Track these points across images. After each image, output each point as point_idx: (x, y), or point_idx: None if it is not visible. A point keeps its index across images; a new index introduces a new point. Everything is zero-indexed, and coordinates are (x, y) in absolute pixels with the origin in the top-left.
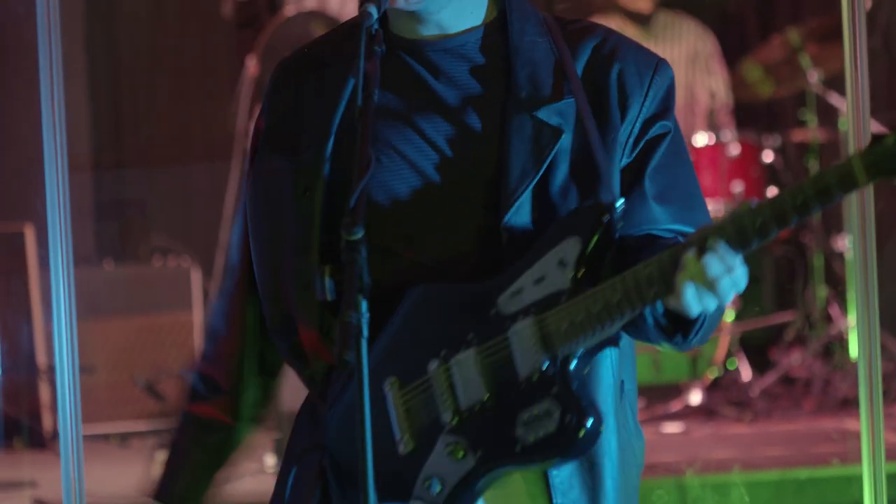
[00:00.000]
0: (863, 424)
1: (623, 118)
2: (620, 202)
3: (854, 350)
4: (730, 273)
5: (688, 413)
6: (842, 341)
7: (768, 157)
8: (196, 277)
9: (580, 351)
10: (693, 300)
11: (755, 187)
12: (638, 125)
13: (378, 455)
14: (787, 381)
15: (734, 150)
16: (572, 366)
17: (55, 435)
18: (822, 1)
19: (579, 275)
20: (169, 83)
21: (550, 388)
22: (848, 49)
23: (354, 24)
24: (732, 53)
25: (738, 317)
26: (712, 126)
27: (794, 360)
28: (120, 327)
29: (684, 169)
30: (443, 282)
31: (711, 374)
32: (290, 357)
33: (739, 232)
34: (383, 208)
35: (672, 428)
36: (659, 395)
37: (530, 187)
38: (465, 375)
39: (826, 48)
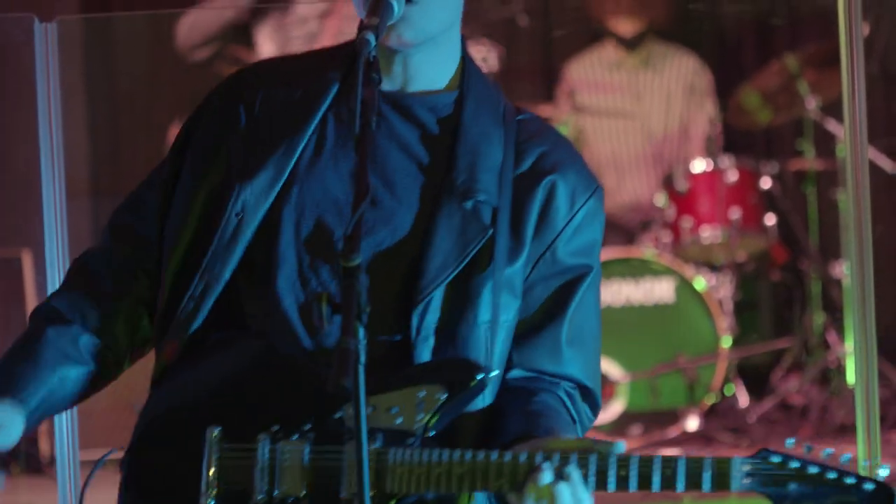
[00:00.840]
0: (860, 451)
1: (539, 234)
2: (495, 373)
3: (851, 376)
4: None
5: (685, 439)
6: (839, 367)
7: (766, 183)
8: None
9: (405, 492)
10: None
11: (753, 214)
12: (560, 246)
13: (177, 489)
14: (785, 407)
15: (732, 176)
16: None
17: (52, 460)
18: (820, 27)
19: (431, 424)
20: (167, 110)
21: None
22: (846, 75)
23: (330, 53)
24: (730, 80)
25: (736, 343)
26: (710, 153)
27: (791, 387)
28: None
29: (595, 311)
30: (305, 357)
31: (709, 401)
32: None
33: (600, 473)
34: (288, 265)
35: (669, 454)
36: (656, 421)
37: (445, 282)
38: (291, 465)
39: (824, 74)
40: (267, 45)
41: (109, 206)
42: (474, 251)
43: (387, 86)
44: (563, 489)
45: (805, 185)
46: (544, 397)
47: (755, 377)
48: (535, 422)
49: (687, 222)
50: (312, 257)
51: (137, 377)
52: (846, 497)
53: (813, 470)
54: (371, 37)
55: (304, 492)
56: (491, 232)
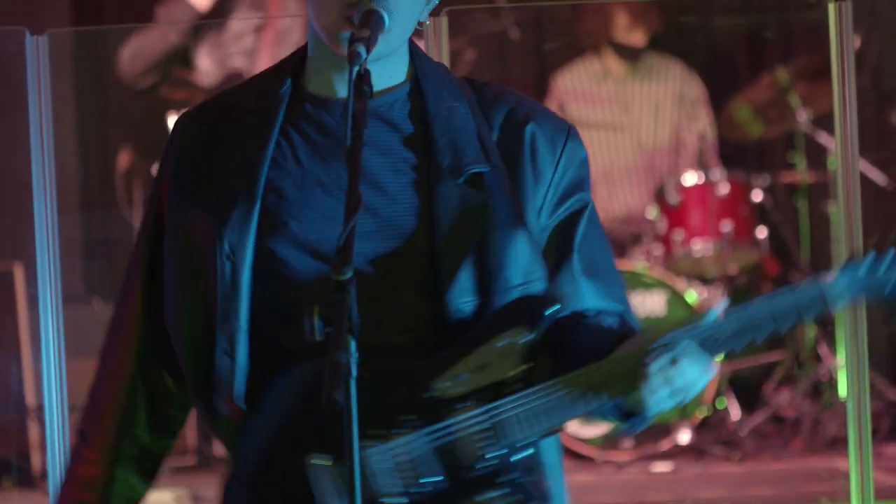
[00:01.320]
0: (852, 464)
1: (536, 183)
2: (559, 300)
3: (843, 389)
4: (703, 376)
5: (677, 453)
6: (831, 381)
7: (757, 196)
8: None
9: (533, 438)
10: (662, 402)
11: (744, 227)
12: (552, 192)
13: None
14: (777, 420)
15: (723, 189)
16: (526, 452)
17: (44, 474)
18: (811, 40)
19: (525, 365)
20: (157, 124)
21: (507, 474)
22: (837, 88)
23: (274, 71)
24: (722, 93)
25: (727, 356)
26: (702, 166)
27: (783, 400)
28: None
29: (603, 242)
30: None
31: (700, 414)
32: (206, 417)
33: (709, 337)
34: (304, 285)
35: (661, 468)
36: (648, 434)
37: (466, 260)
38: (416, 457)
39: (815, 87)
40: (206, 62)
41: (100, 219)
42: (483, 225)
43: (344, 93)
44: (685, 363)
45: (796, 197)
46: (602, 320)
47: (747, 390)
48: (606, 331)
49: (678, 235)
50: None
51: None
52: None
53: None
54: (362, 49)
55: (440, 476)
56: (491, 201)
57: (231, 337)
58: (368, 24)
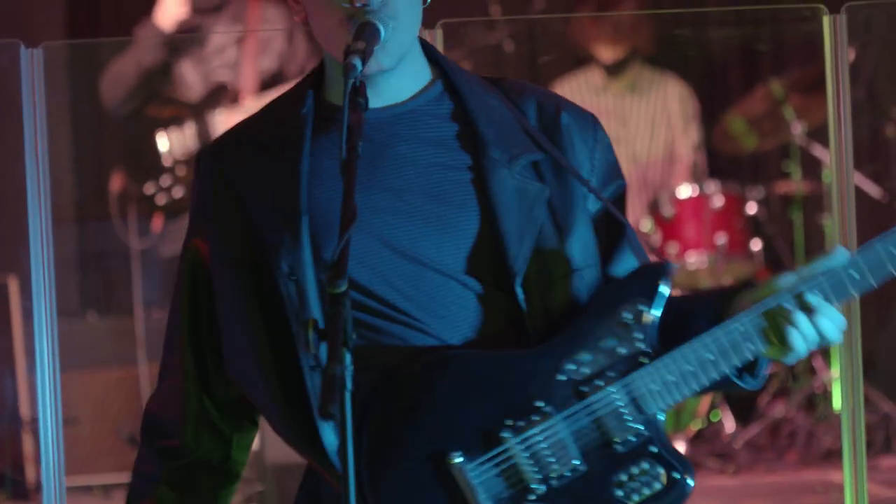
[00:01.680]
0: (846, 476)
1: (578, 170)
2: (675, 266)
3: (837, 402)
4: (834, 322)
5: None
6: (825, 393)
7: (752, 208)
8: None
9: (667, 408)
10: (801, 351)
11: (739, 239)
12: (594, 179)
13: None
14: (771, 432)
15: (718, 201)
16: (659, 422)
17: (38, 487)
18: (806, 52)
19: (653, 337)
20: (152, 137)
21: (647, 447)
22: (831, 101)
23: (290, 95)
24: (716, 106)
25: None
26: (696, 178)
27: (777, 412)
28: (103, 379)
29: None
30: (473, 352)
31: (695, 426)
32: (306, 443)
33: (836, 285)
34: (376, 295)
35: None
36: None
37: (531, 250)
38: (553, 443)
39: (810, 100)
40: (191, 76)
41: (95, 232)
42: (540, 211)
43: (380, 104)
44: (820, 317)
45: (791, 210)
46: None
47: (741, 403)
48: (704, 299)
49: (673, 248)
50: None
51: (122, 404)
52: None
53: None
54: (357, 61)
55: (578, 460)
56: (548, 188)
57: (316, 353)
58: (364, 37)
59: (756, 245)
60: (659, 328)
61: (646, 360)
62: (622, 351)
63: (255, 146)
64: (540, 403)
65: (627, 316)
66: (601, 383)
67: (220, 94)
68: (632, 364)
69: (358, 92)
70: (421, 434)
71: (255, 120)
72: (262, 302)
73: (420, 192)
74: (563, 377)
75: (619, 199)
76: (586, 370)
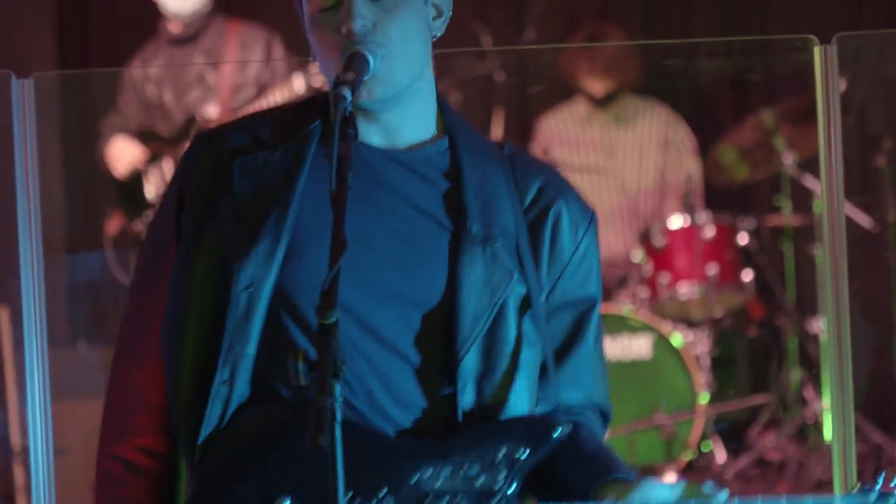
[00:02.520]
0: None
1: (552, 263)
2: (570, 427)
3: (828, 433)
4: None
5: None
6: (816, 424)
7: (743, 239)
8: None
9: None
10: None
11: (730, 270)
12: (569, 275)
13: None
14: (762, 463)
15: (709, 232)
16: None
17: None
18: (797, 83)
19: (516, 483)
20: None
21: None
22: (822, 131)
23: (300, 108)
24: (707, 137)
25: (713, 399)
26: (688, 208)
27: (768, 443)
28: (94, 409)
29: (601, 340)
30: (366, 422)
31: (686, 457)
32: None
33: None
34: (298, 298)
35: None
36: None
37: (482, 333)
38: None
39: (801, 130)
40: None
41: (86, 263)
42: (503, 297)
43: (378, 141)
44: None
45: (782, 240)
46: (584, 433)
47: (732, 433)
48: (597, 465)
49: (664, 278)
50: (361, 343)
51: None
52: None
53: None
54: (347, 92)
55: None
56: (515, 273)
57: (234, 368)
58: (353, 67)
59: (747, 275)
60: (541, 471)
61: (493, 501)
62: (479, 483)
63: (262, 145)
64: (383, 493)
65: (502, 455)
66: (445, 502)
67: (193, 125)
68: (481, 499)
69: (348, 122)
70: (264, 477)
71: (264, 120)
72: (206, 300)
73: (385, 249)
74: (415, 480)
75: (587, 313)
76: (439, 484)
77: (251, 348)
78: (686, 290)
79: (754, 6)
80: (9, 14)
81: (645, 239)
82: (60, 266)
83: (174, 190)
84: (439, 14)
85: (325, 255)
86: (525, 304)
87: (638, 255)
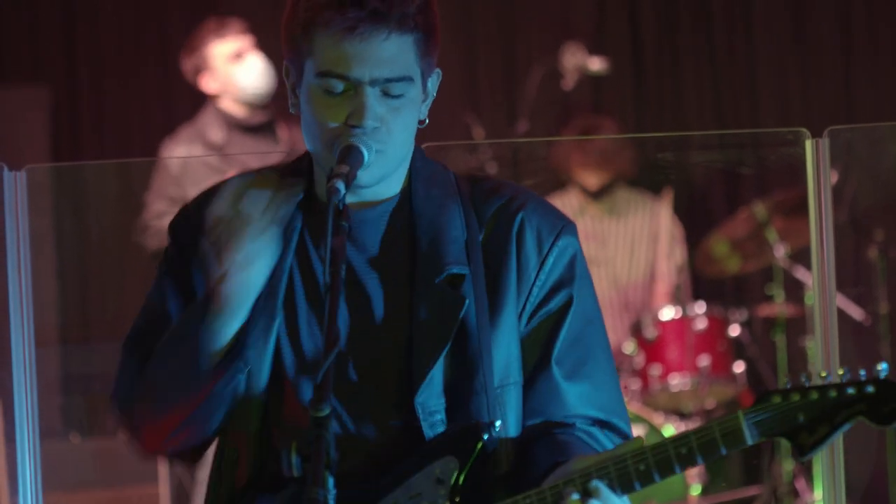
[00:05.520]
0: None
1: (520, 282)
2: (498, 423)
3: None
4: None
5: None
6: None
7: (735, 331)
8: None
9: None
10: None
11: (721, 361)
12: (537, 292)
13: None
14: None
15: (700, 324)
16: None
17: None
18: (788, 175)
19: (455, 496)
20: (135, 260)
21: None
22: (814, 223)
23: (285, 174)
24: (699, 228)
25: (705, 491)
26: (679, 300)
27: None
28: (86, 501)
29: (593, 339)
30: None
31: None
32: None
33: (622, 475)
34: (292, 375)
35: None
36: None
37: (438, 360)
38: None
39: (792, 222)
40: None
41: (78, 355)
42: (457, 323)
43: (350, 198)
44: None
45: (774, 332)
46: (564, 436)
47: None
48: (558, 451)
49: (655, 370)
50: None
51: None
52: (854, 407)
53: (814, 395)
54: (341, 185)
55: None
56: (467, 300)
57: (241, 444)
58: (347, 160)
59: (739, 367)
60: (519, 464)
61: None
62: (424, 502)
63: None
64: None
65: (436, 471)
66: None
67: None
68: None
69: (341, 215)
70: None
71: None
72: None
73: (351, 289)
74: None
75: (561, 313)
76: None
77: (254, 426)
78: (678, 381)
79: (746, 99)
80: (2, 106)
81: (636, 330)
82: (52, 359)
83: (176, 258)
84: (426, 98)
85: (315, 335)
86: (487, 328)
87: (629, 347)
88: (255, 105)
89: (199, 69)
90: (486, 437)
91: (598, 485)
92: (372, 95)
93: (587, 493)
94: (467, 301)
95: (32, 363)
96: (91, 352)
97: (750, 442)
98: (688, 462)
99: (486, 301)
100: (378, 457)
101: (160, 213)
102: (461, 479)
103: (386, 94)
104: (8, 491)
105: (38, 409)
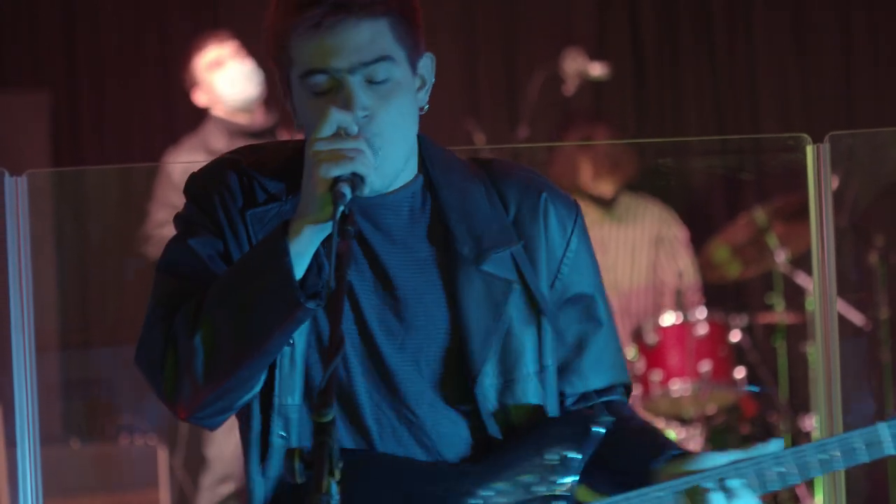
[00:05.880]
0: None
1: (548, 257)
2: (609, 418)
3: None
4: None
5: None
6: None
7: (736, 336)
8: (162, 456)
9: None
10: None
11: (722, 367)
12: (566, 267)
13: None
14: None
15: (701, 329)
16: None
17: None
18: (789, 180)
19: (574, 481)
20: (135, 264)
21: None
22: (815, 229)
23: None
24: (699, 234)
25: None
26: (680, 306)
27: None
28: None
29: (611, 321)
30: (402, 458)
31: None
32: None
33: (760, 476)
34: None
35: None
36: None
37: (495, 350)
38: None
39: (793, 228)
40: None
41: (79, 360)
42: (507, 307)
43: (366, 191)
44: (737, 501)
45: (775, 338)
46: (626, 413)
47: None
48: (649, 444)
49: (656, 375)
50: (376, 391)
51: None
52: None
53: None
54: (347, 189)
55: None
56: (516, 283)
57: (286, 419)
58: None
59: (740, 373)
60: (591, 460)
61: None
62: (540, 489)
63: (270, 195)
64: None
65: (552, 458)
66: None
67: None
68: None
69: (347, 220)
70: None
71: (267, 165)
72: None
73: (385, 291)
74: (476, 501)
75: (592, 304)
76: (501, 500)
77: (297, 397)
78: (679, 387)
79: (747, 104)
80: (3, 111)
81: (637, 336)
82: (53, 364)
83: (203, 216)
84: (423, 84)
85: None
86: (533, 309)
87: (630, 353)
88: (243, 111)
89: (191, 84)
90: (600, 425)
91: (736, 484)
92: (356, 84)
93: (726, 492)
94: (515, 284)
95: (33, 368)
96: (91, 357)
97: (888, 452)
98: (828, 467)
99: (527, 281)
100: (441, 445)
101: (162, 223)
102: (577, 466)
103: (371, 81)
104: (8, 496)
105: (38, 414)
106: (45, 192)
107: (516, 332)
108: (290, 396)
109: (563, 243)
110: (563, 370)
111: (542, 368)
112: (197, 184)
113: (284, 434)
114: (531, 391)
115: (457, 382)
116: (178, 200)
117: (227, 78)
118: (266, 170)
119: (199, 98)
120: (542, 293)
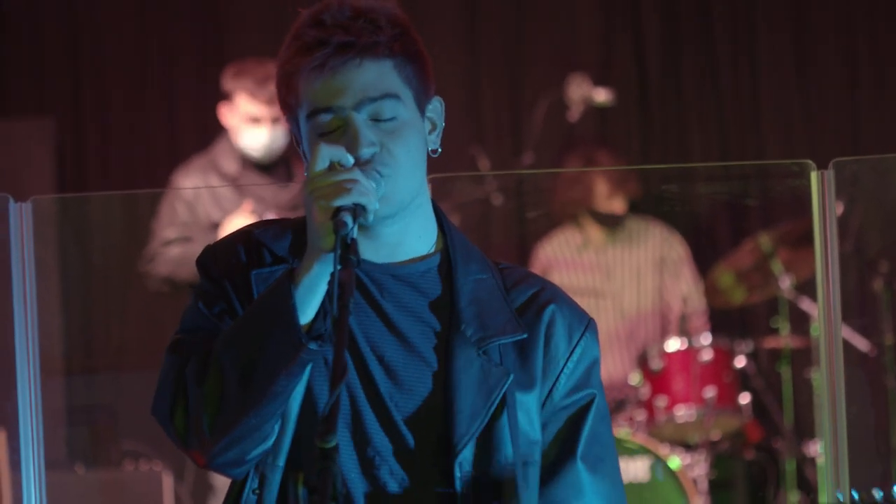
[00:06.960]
0: None
1: (547, 368)
2: None
3: None
4: None
5: None
6: None
7: (740, 362)
8: (167, 481)
9: None
10: None
11: (727, 393)
12: (564, 381)
13: None
14: None
15: (706, 355)
16: None
17: None
18: (794, 207)
19: None
20: (139, 290)
21: None
22: (819, 254)
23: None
24: (704, 260)
25: None
26: (684, 331)
27: None
28: None
29: (608, 437)
30: None
31: None
32: None
33: None
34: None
35: None
36: None
37: (478, 432)
38: None
39: (798, 254)
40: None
41: (83, 386)
42: (499, 396)
43: (378, 258)
44: None
45: (779, 364)
46: None
47: None
48: None
49: (661, 401)
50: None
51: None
52: None
53: None
54: (348, 218)
55: None
56: (511, 375)
57: (263, 477)
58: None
59: (744, 399)
60: None
61: None
62: None
63: (276, 257)
64: None
65: None
66: None
67: None
68: None
69: (349, 249)
70: None
71: (273, 232)
72: None
73: (386, 355)
74: None
75: (585, 409)
76: None
77: (281, 460)
78: (683, 412)
79: (751, 131)
80: (8, 138)
81: (642, 362)
82: (57, 389)
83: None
84: (434, 127)
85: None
86: (524, 404)
87: (635, 378)
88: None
89: (226, 97)
90: None
91: None
92: (361, 121)
93: None
94: (512, 374)
95: (37, 393)
96: (95, 382)
97: None
98: None
99: (524, 375)
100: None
101: (168, 241)
102: None
103: (377, 119)
104: None
105: (42, 440)
106: (49, 219)
107: (502, 422)
108: (273, 457)
109: (566, 352)
110: (545, 477)
111: (527, 463)
112: (208, 256)
113: (258, 491)
114: (509, 480)
115: (434, 454)
116: (184, 218)
117: (253, 137)
118: (275, 237)
119: (225, 118)
120: (536, 390)
